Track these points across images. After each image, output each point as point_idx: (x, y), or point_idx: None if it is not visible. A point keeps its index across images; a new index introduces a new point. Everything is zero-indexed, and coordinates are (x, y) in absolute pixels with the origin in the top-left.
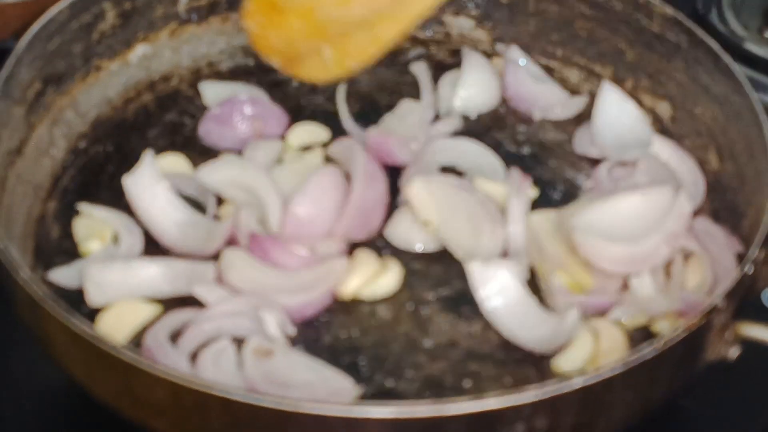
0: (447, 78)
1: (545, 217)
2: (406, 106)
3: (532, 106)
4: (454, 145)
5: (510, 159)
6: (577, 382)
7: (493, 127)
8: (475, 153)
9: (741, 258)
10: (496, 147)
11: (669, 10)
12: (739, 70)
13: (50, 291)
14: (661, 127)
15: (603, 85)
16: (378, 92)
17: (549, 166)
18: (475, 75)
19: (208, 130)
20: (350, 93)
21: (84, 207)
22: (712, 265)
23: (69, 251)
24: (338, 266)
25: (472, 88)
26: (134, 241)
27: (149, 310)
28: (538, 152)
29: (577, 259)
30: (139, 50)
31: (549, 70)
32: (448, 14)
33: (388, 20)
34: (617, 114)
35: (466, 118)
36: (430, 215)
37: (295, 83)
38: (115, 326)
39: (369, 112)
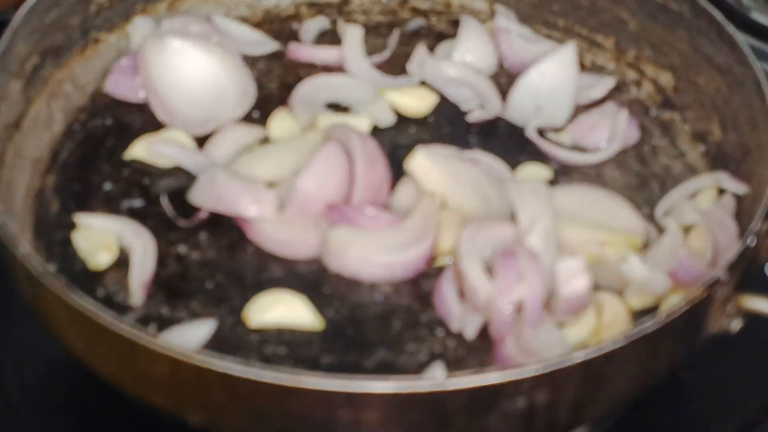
0: (443, 46)
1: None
2: None
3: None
4: (333, 82)
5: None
6: (579, 356)
7: None
8: (354, 87)
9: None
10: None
11: None
12: (743, 40)
13: (50, 266)
14: (664, 98)
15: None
16: (380, 64)
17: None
18: (470, 42)
19: (117, 82)
20: None
21: (81, 218)
22: (716, 249)
23: (68, 225)
24: (430, 219)
25: (467, 55)
26: (146, 242)
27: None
28: None
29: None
30: (138, 22)
31: (551, 41)
32: None
33: None
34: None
35: None
36: (435, 186)
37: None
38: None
39: None
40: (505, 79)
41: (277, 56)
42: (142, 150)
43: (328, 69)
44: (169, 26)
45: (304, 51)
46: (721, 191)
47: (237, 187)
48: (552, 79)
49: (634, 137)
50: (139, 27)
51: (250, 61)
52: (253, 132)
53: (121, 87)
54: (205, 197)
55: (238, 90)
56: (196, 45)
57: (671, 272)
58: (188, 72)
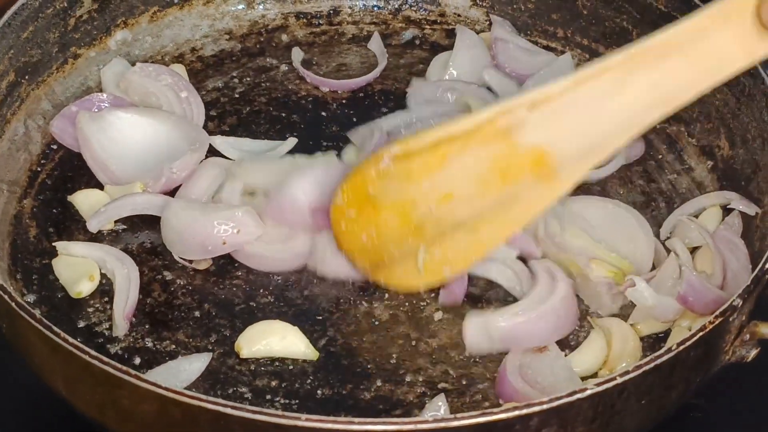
0: (440, 59)
1: (554, 212)
2: None
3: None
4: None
5: None
6: (589, 389)
7: None
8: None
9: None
10: None
11: None
12: None
13: (28, 296)
14: None
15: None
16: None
17: None
18: (466, 52)
19: (63, 128)
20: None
21: (61, 245)
22: (725, 271)
23: (47, 252)
24: None
25: (463, 67)
26: (129, 270)
27: None
28: None
29: (603, 246)
30: (119, 36)
31: (550, 51)
32: None
33: (494, 224)
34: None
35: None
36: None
37: (284, 68)
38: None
39: (363, 96)
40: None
41: (265, 69)
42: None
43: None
44: (142, 71)
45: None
46: (728, 209)
47: (207, 222)
48: None
49: (638, 151)
50: (112, 67)
51: (237, 73)
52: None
53: (66, 137)
54: (179, 244)
55: (189, 142)
56: (136, 112)
57: (680, 296)
58: (132, 140)
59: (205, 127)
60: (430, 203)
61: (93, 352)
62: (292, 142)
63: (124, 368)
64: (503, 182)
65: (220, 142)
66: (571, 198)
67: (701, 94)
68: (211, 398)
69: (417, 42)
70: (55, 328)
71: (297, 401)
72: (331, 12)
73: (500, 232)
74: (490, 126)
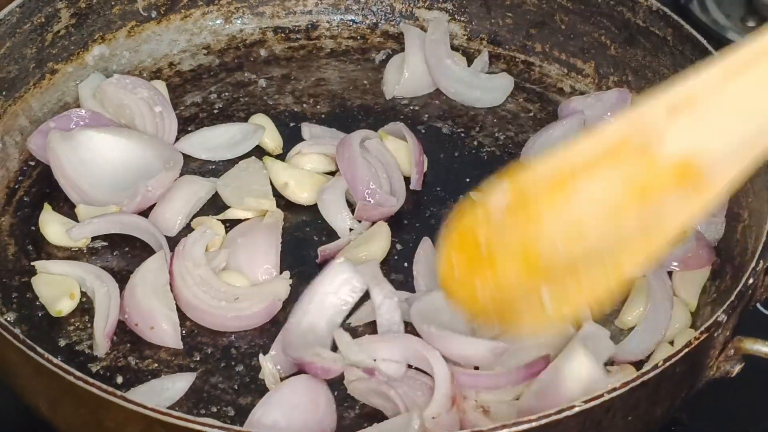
0: (394, 62)
1: None
2: None
3: None
4: None
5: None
6: (576, 407)
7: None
8: None
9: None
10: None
11: (654, 3)
12: None
13: (8, 315)
14: None
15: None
16: (350, 92)
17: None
18: (418, 53)
19: (40, 145)
20: (320, 94)
21: (40, 264)
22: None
23: (27, 270)
24: None
25: (417, 66)
26: (109, 288)
27: None
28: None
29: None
30: (96, 51)
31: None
32: (421, 8)
33: (634, 250)
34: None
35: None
36: None
37: (262, 83)
38: None
39: (339, 113)
40: None
41: (243, 84)
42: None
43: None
44: (118, 83)
45: None
46: None
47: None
48: None
49: None
50: (89, 83)
51: (215, 88)
52: (206, 185)
53: (44, 153)
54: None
55: (163, 160)
56: (108, 131)
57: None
58: (104, 159)
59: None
60: (556, 240)
61: (77, 373)
62: (260, 133)
63: (109, 389)
64: (642, 201)
65: (185, 144)
66: None
67: None
68: (198, 419)
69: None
70: (39, 349)
71: None
72: (309, 26)
73: (641, 257)
74: (624, 145)
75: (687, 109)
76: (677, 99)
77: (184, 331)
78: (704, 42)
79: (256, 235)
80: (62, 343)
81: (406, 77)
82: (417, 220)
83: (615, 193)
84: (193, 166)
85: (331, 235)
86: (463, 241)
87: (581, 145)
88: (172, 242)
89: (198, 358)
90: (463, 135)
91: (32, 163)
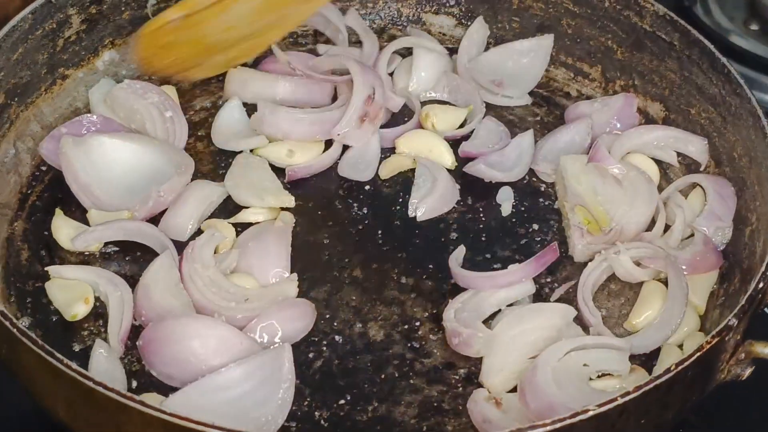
0: (404, 65)
1: (575, 158)
2: None
3: None
4: None
5: None
6: (590, 410)
7: None
8: None
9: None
10: None
11: (661, 8)
12: (735, 72)
13: (23, 320)
14: None
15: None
16: None
17: None
18: (426, 55)
19: (52, 150)
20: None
21: (54, 269)
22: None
23: (40, 275)
24: None
25: (426, 69)
26: (122, 292)
27: None
28: None
29: (599, 199)
30: (106, 56)
31: None
32: (428, 12)
33: (274, 29)
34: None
35: None
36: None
37: None
38: None
39: None
40: None
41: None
42: (66, 235)
43: None
44: (129, 88)
45: None
46: None
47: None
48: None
49: None
50: (100, 88)
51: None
52: (217, 189)
53: (56, 158)
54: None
55: (174, 165)
56: (120, 137)
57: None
58: (115, 164)
59: (193, 147)
60: (218, 34)
61: (97, 379)
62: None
63: (129, 395)
64: (273, 9)
65: None
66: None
67: None
68: (216, 424)
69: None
70: (58, 354)
71: (295, 423)
72: (317, 31)
73: (280, 33)
74: None
75: None
76: None
77: None
78: (711, 47)
79: (267, 238)
80: (77, 347)
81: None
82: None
83: (253, 6)
84: (203, 170)
85: (342, 237)
86: (148, 44)
87: None
88: (183, 247)
89: None
90: None
91: (44, 168)
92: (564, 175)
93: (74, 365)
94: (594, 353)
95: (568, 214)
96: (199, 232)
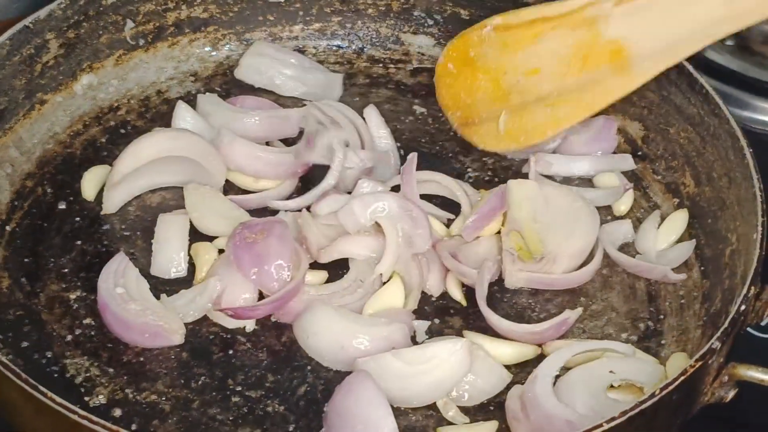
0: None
1: (521, 183)
2: None
3: None
4: None
5: None
6: None
7: None
8: None
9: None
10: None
11: None
12: (713, 92)
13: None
14: (634, 148)
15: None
16: None
17: None
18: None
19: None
20: None
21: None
22: None
23: (22, 304)
24: None
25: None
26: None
27: None
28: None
29: (536, 227)
30: (85, 80)
31: None
32: (407, 32)
33: (571, 104)
34: None
35: None
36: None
37: None
38: None
39: None
40: None
41: None
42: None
43: None
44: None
45: None
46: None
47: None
48: None
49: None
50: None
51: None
52: (185, 218)
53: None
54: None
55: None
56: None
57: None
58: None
59: None
60: (519, 74)
61: (81, 412)
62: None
63: (115, 428)
64: (583, 66)
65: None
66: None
67: None
68: None
69: (382, 81)
70: (41, 387)
71: None
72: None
73: (574, 112)
74: (579, 14)
75: (628, 3)
76: None
77: (177, 363)
78: (689, 67)
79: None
80: (60, 379)
81: None
82: None
83: (567, 51)
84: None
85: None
86: (459, 48)
87: (554, 5)
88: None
89: (194, 387)
90: (451, 157)
91: (23, 196)
92: (509, 200)
93: (58, 398)
94: (625, 363)
95: (503, 238)
96: (191, 261)
